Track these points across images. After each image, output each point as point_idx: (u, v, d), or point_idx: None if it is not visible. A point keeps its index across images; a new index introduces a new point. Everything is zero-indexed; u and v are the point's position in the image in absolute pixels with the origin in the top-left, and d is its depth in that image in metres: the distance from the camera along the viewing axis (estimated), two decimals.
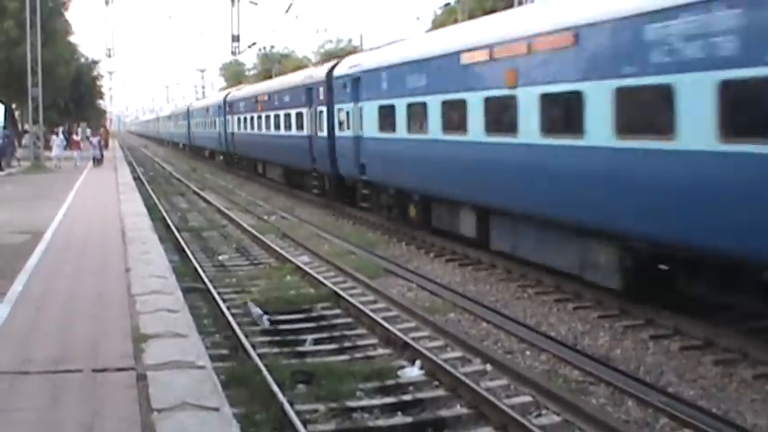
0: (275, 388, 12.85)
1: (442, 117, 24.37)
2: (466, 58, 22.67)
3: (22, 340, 12.30)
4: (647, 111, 16.05)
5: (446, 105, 24.05)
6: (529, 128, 19.49)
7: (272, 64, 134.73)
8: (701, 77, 14.11)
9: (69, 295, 15.51)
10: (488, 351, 15.35)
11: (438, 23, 78.51)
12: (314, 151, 38.77)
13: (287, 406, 12.13)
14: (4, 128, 67.31)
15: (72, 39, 76.91)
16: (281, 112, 45.39)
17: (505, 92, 20.53)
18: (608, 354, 15.43)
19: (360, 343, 16.53)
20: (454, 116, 23.44)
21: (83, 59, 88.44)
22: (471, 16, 67.25)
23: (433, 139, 25.06)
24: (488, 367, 14.54)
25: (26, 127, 71.44)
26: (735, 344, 15.04)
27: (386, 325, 16.88)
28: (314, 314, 18.89)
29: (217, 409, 9.27)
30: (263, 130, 50.09)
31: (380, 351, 15.93)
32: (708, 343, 15.47)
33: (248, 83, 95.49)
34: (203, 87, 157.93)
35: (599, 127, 16.84)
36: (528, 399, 12.98)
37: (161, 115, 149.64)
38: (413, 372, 14.42)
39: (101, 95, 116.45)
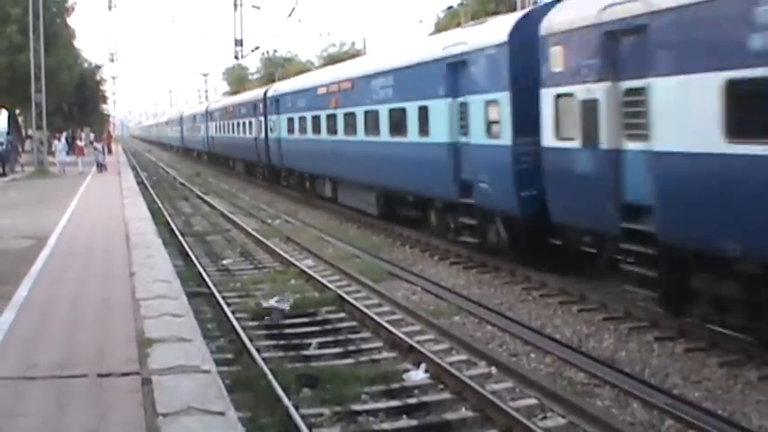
0: (280, 392, 12.86)
1: (311, 125, 39.81)
2: (319, 91, 38.47)
3: (27, 345, 12.31)
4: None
5: (312, 118, 39.56)
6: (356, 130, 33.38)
7: (276, 68, 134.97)
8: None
9: (74, 300, 15.52)
10: (493, 354, 15.36)
11: (441, 26, 78.60)
12: (258, 149, 52.74)
13: (292, 410, 12.14)
14: (8, 133, 67.44)
15: (75, 44, 76.94)
16: (240, 121, 59.51)
17: (330, 111, 36.40)
18: (613, 356, 15.43)
19: (365, 346, 16.53)
20: (316, 124, 38.87)
21: (86, 64, 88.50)
22: (474, 18, 67.34)
23: (306, 139, 40.98)
24: (493, 370, 14.54)
25: (30, 132, 71.42)
26: (739, 346, 15.03)
27: (391, 328, 16.88)
28: (318, 318, 18.90)
29: (222, 414, 9.26)
30: (231, 134, 64.01)
31: (385, 354, 15.94)
32: (713, 345, 15.46)
33: (251, 87, 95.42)
34: (206, 92, 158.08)
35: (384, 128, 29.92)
36: (533, 401, 12.99)
37: (159, 121, 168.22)
38: (418, 375, 14.42)
39: (104, 100, 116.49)
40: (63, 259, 20.41)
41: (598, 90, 17.28)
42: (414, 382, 14.12)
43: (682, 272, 15.61)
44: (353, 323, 18.33)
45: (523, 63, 20.62)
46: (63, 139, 60.98)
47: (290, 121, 44.18)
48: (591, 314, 18.22)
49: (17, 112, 77.26)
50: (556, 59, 19.04)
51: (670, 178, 15.26)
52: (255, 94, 57.10)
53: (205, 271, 23.57)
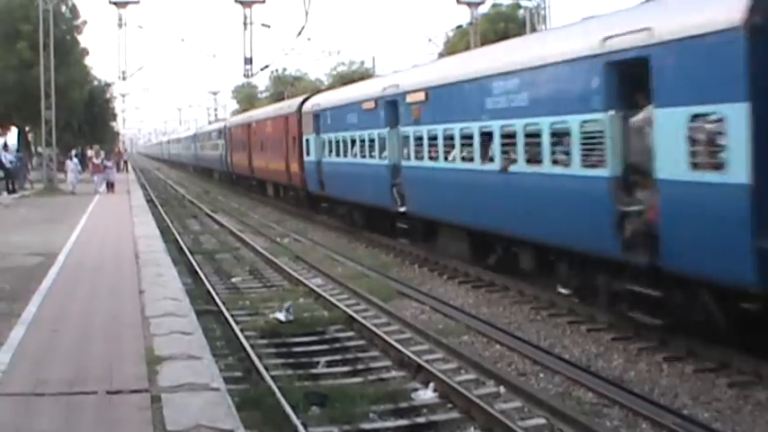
0: (289, 410, 12.88)
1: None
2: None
3: (37, 362, 12.31)
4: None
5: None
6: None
7: (285, 86, 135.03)
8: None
9: (83, 317, 15.52)
10: (502, 373, 15.34)
11: (450, 45, 78.77)
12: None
13: (301, 428, 12.17)
14: (18, 150, 67.52)
15: (85, 61, 77.08)
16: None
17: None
18: (622, 376, 15.40)
19: (373, 365, 16.54)
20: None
21: (96, 82, 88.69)
22: (483, 38, 67.46)
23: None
24: (502, 389, 14.53)
25: (39, 149, 71.48)
26: (749, 366, 14.99)
27: (399, 347, 16.89)
28: (327, 336, 18.91)
29: None
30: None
31: (394, 373, 15.94)
32: (722, 365, 15.42)
33: (260, 105, 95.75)
34: (216, 110, 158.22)
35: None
36: (542, 421, 12.97)
37: (163, 140, 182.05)
38: (426, 394, 14.42)
39: (114, 118, 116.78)
40: (72, 276, 20.42)
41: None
42: (422, 401, 14.13)
43: None
44: (362, 342, 18.34)
45: None
46: (74, 158, 60.48)
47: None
48: (600, 334, 18.19)
49: (27, 129, 77.37)
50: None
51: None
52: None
53: (214, 289, 23.61)
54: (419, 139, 27.50)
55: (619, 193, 16.91)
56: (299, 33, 56.78)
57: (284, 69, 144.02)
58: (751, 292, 14.16)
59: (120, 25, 52.89)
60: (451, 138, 24.92)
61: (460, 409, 13.65)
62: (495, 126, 21.83)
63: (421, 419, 13.32)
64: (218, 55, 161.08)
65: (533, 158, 20.03)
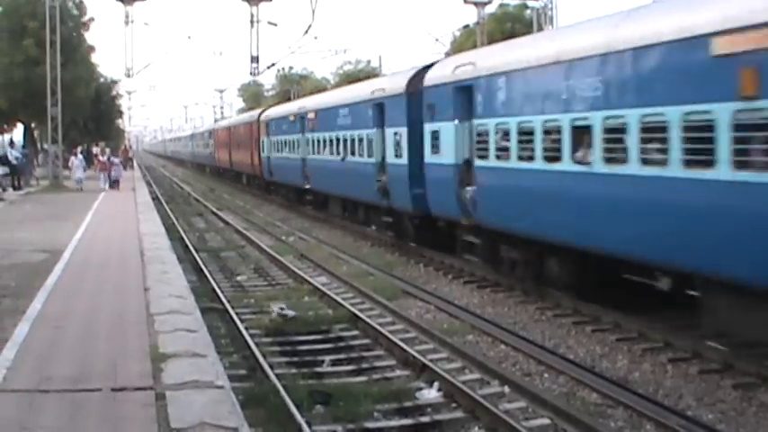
0: (293, 408, 12.88)
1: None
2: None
3: (42, 359, 12.31)
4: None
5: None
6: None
7: (291, 85, 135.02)
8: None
9: (88, 314, 15.52)
10: (506, 373, 15.34)
11: (457, 45, 78.70)
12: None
13: (305, 426, 12.16)
14: (24, 147, 67.53)
15: (92, 58, 77.04)
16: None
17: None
18: (626, 376, 15.39)
19: (378, 364, 16.55)
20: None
21: (102, 79, 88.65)
22: (490, 38, 67.40)
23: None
24: (506, 389, 14.53)
25: (45, 146, 71.46)
26: (754, 368, 14.98)
27: (404, 346, 16.89)
28: (332, 335, 18.92)
29: (235, 429, 9.26)
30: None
31: (398, 372, 15.95)
32: (727, 366, 15.41)
33: (267, 104, 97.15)
34: (222, 108, 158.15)
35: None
36: (546, 421, 12.97)
37: (165, 139, 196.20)
38: (431, 393, 14.42)
39: (120, 115, 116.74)
40: (77, 273, 20.43)
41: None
42: (427, 401, 14.13)
43: None
44: (367, 341, 18.35)
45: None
46: (80, 155, 60.35)
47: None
48: (604, 335, 18.19)
49: (33, 125, 77.39)
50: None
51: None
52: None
53: (219, 287, 23.62)
54: (317, 142, 42.58)
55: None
56: (306, 32, 56.37)
57: (291, 68, 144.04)
58: (460, 222, 25.40)
59: (126, 22, 52.78)
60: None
61: (465, 408, 13.65)
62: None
63: (425, 419, 13.32)
64: (225, 53, 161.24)
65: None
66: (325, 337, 18.70)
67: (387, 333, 18.06)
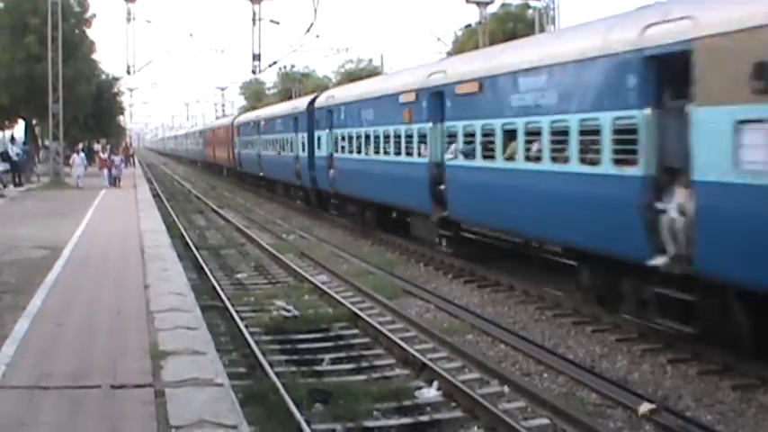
0: (293, 407, 12.89)
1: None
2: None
3: (41, 355, 12.33)
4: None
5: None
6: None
7: (293, 83, 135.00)
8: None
9: (88, 311, 15.55)
10: (506, 373, 15.34)
11: (459, 44, 78.61)
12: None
13: (304, 425, 12.17)
14: (24, 143, 67.49)
15: (94, 55, 76.96)
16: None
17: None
18: (626, 377, 15.39)
19: (377, 363, 16.56)
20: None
21: (103, 76, 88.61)
22: (492, 38, 67.35)
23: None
24: (506, 389, 14.53)
25: (47, 143, 71.40)
26: (753, 369, 14.97)
27: (404, 345, 16.89)
28: (332, 333, 18.92)
29: (234, 427, 9.27)
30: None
31: (398, 371, 15.96)
32: (726, 368, 15.40)
33: (268, 102, 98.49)
34: (223, 106, 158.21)
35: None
36: (545, 421, 12.98)
37: (164, 137, 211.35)
38: (430, 392, 14.43)
39: (121, 112, 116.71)
40: (78, 270, 20.45)
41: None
42: (426, 400, 14.14)
43: None
44: (366, 339, 18.36)
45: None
46: (81, 152, 60.04)
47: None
48: (604, 335, 18.19)
49: (34, 122, 77.35)
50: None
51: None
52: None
53: (219, 285, 23.62)
54: (265, 141, 58.14)
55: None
56: (308, 30, 56.44)
57: (292, 66, 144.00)
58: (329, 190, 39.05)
59: (128, 19, 52.79)
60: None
61: (464, 408, 13.65)
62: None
63: (424, 418, 13.33)
64: (227, 51, 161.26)
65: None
66: (324, 336, 18.70)
67: (386, 332, 18.07)
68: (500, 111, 21.83)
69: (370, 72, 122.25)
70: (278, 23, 61.62)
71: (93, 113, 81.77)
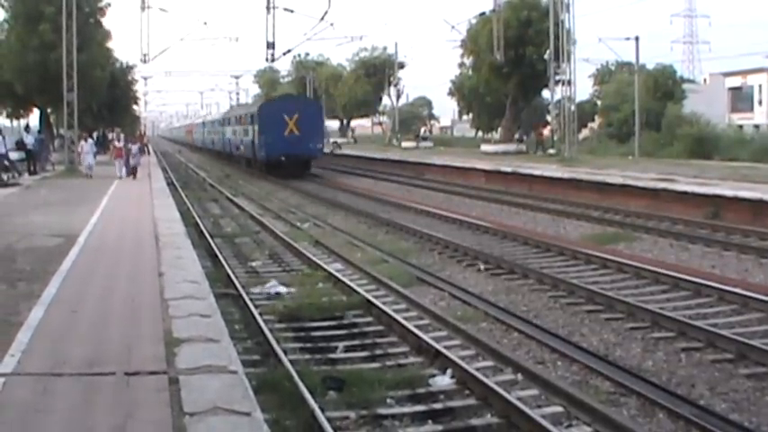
0: (306, 394, 12.87)
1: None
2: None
3: (56, 342, 12.36)
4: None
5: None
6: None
7: (307, 71, 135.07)
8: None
9: (103, 298, 15.57)
10: (520, 361, 15.31)
11: (473, 33, 78.55)
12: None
13: (318, 412, 12.15)
14: (39, 132, 67.66)
15: (108, 44, 77.14)
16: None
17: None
18: (639, 365, 15.37)
19: (391, 351, 16.53)
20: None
21: (118, 64, 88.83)
22: (506, 25, 67.31)
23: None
24: (519, 377, 14.52)
25: (61, 131, 71.52)
26: None
27: (418, 333, 16.86)
28: (345, 321, 18.92)
29: (248, 414, 9.28)
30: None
31: (412, 359, 15.92)
32: (740, 356, 15.39)
33: (283, 90, 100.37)
34: (237, 94, 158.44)
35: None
36: (559, 409, 12.95)
37: (172, 127, 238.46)
38: (444, 380, 14.42)
39: (135, 100, 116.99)
40: (92, 258, 20.48)
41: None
42: (439, 388, 14.12)
43: None
44: (380, 327, 18.33)
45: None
46: (90, 140, 58.55)
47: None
48: (618, 323, 18.18)
49: (48, 110, 77.57)
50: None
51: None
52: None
53: (233, 272, 23.62)
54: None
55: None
56: (322, 18, 56.68)
57: (306, 54, 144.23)
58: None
59: (143, 8, 52.99)
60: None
61: (478, 395, 13.63)
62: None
63: (438, 405, 13.32)
64: (241, 39, 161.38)
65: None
66: (338, 324, 18.70)
67: (401, 320, 18.04)
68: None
69: (385, 61, 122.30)
70: (292, 11, 61.84)
71: (107, 102, 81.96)
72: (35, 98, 72.00)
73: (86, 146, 55.13)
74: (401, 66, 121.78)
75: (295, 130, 67.39)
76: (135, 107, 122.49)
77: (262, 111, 71.14)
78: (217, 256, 26.63)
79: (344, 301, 20.48)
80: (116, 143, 58.57)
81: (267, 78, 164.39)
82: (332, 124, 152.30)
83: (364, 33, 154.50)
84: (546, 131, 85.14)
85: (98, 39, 70.49)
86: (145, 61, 63.06)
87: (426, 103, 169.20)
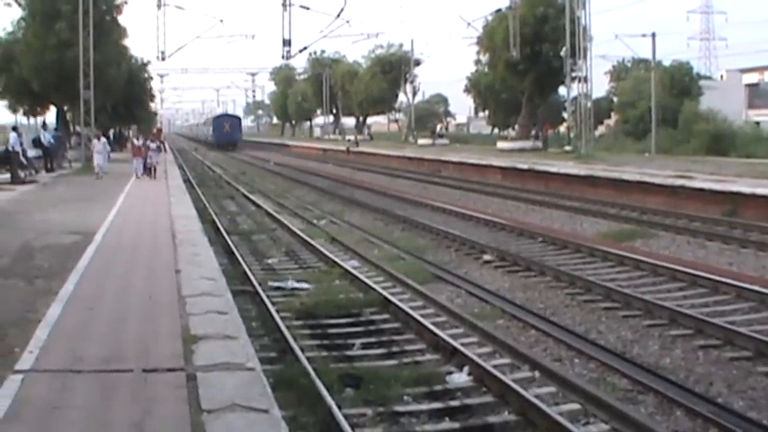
0: (324, 391, 12.87)
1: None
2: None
3: (74, 339, 12.39)
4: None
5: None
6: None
7: (323, 68, 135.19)
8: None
9: (120, 295, 15.61)
10: (537, 358, 15.29)
11: (489, 29, 78.44)
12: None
13: (335, 409, 12.15)
14: (56, 129, 67.80)
15: (125, 42, 77.22)
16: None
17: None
18: (657, 362, 15.33)
19: (408, 348, 16.51)
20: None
21: (134, 61, 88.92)
22: (522, 22, 67.20)
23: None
24: (536, 374, 14.50)
25: (78, 129, 71.64)
26: None
27: (435, 330, 16.85)
28: (362, 319, 18.91)
29: (266, 411, 9.30)
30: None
31: (428, 356, 15.91)
32: (758, 354, 15.34)
33: (298, 87, 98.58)
34: (254, 91, 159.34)
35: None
36: (576, 406, 12.93)
37: (184, 124, 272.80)
38: (461, 377, 14.40)
39: (152, 98, 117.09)
40: (109, 255, 20.50)
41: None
42: (456, 385, 14.11)
43: None
44: (397, 324, 18.32)
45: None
46: (102, 139, 54.27)
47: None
48: (635, 320, 18.15)
49: (65, 108, 77.69)
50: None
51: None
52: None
53: (250, 269, 23.63)
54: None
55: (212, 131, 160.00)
56: (338, 15, 56.73)
57: (323, 51, 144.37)
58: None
59: (159, 6, 53.02)
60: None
61: (495, 393, 13.61)
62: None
63: (455, 403, 13.32)
64: (257, 36, 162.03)
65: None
66: (355, 321, 18.70)
67: (417, 317, 18.03)
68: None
69: (401, 57, 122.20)
70: (308, 9, 61.82)
71: (124, 100, 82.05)
72: (52, 96, 72.13)
73: (98, 145, 51.96)
74: (417, 63, 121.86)
75: (228, 129, 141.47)
76: (151, 104, 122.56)
77: (214, 120, 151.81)
78: (233, 253, 26.64)
79: (361, 299, 20.50)
80: (135, 141, 57.96)
81: (283, 75, 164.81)
82: (348, 121, 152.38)
83: (380, 30, 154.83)
84: (559, 128, 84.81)
85: (114, 36, 70.54)
86: (161, 59, 63.06)
87: (442, 100, 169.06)
